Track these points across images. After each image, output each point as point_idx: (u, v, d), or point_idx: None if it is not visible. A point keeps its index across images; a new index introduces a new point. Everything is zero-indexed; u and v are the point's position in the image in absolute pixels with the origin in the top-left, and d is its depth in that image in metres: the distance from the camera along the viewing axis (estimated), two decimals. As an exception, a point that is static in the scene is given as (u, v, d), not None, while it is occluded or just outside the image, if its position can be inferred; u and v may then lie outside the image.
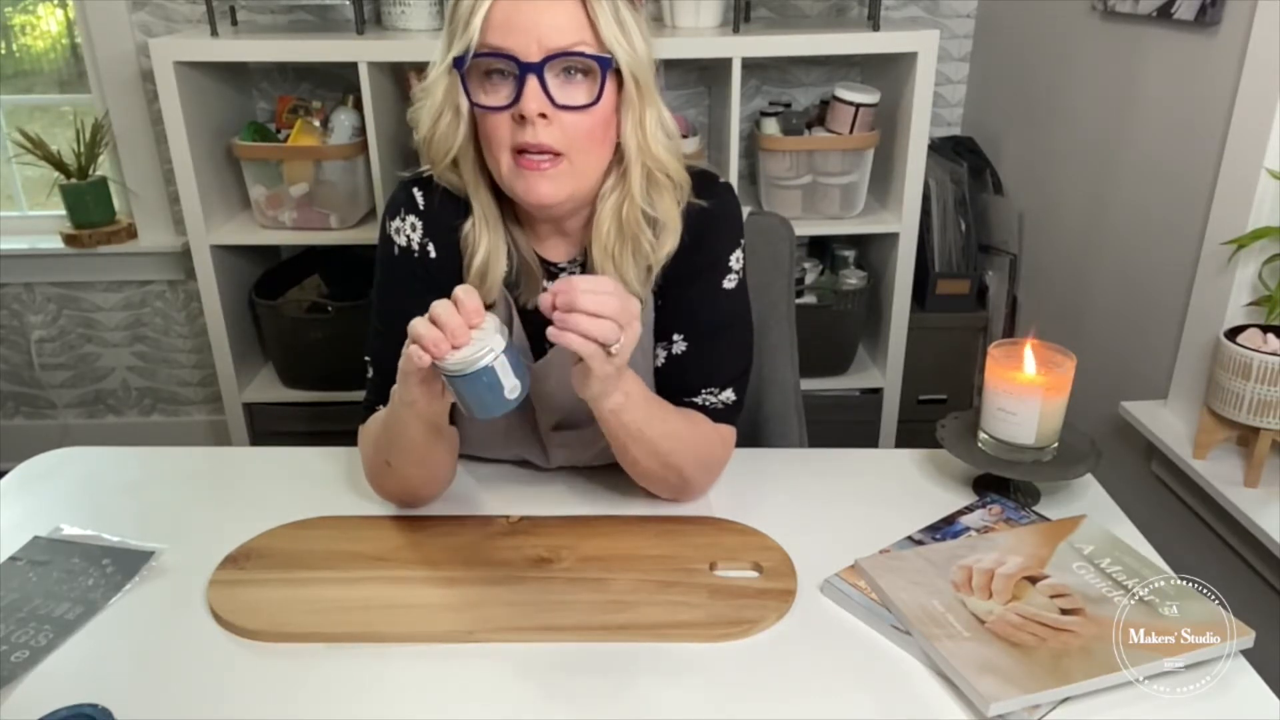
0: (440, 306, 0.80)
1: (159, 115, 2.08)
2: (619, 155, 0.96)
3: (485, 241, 0.98)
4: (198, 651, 0.83)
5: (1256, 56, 1.36)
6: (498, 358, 0.79)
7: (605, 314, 0.79)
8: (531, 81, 0.87)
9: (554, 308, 0.80)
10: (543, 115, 0.87)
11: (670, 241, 0.98)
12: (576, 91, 0.89)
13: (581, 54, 0.88)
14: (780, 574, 0.92)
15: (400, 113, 1.99)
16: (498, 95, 0.89)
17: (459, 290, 0.81)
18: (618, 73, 0.90)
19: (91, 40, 2.19)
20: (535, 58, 0.87)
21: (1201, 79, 1.49)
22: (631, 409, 0.90)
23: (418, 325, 0.80)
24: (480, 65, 0.89)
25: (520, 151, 0.90)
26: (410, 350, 0.80)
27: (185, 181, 1.94)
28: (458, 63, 0.89)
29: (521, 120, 0.88)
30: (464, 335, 0.79)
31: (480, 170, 0.97)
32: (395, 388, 0.89)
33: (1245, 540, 1.37)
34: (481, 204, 0.98)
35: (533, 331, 1.02)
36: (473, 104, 0.91)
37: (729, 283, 1.02)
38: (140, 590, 0.91)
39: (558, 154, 0.90)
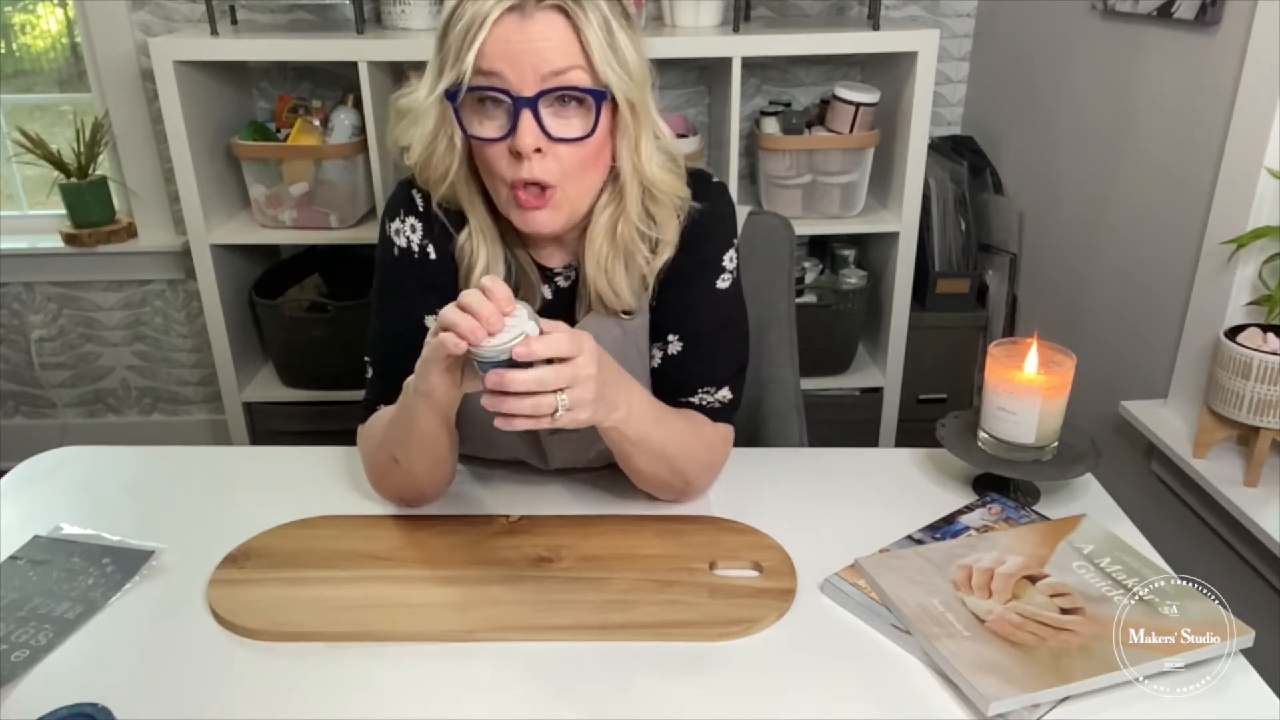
0: (471, 295, 0.79)
1: (159, 115, 2.09)
2: (614, 173, 0.95)
3: (484, 254, 0.98)
4: (198, 651, 0.83)
5: (1256, 56, 1.36)
6: None
7: (534, 390, 0.78)
8: (526, 116, 0.86)
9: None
10: (538, 150, 0.87)
11: (666, 254, 0.99)
12: (571, 122, 0.89)
13: (575, 88, 0.87)
14: (780, 573, 0.92)
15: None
16: (492, 126, 0.89)
17: (486, 280, 0.81)
18: (612, 100, 0.90)
19: (91, 39, 2.19)
20: (529, 91, 0.86)
21: (1201, 79, 1.49)
22: (633, 421, 0.90)
23: (450, 314, 0.79)
24: (473, 94, 0.88)
25: (515, 185, 0.90)
26: (444, 338, 0.79)
27: (185, 181, 1.94)
28: (451, 95, 0.88)
29: (517, 153, 0.88)
30: (499, 322, 0.79)
31: (475, 186, 0.97)
32: (410, 380, 0.89)
33: (1245, 540, 1.37)
34: (478, 218, 0.98)
35: None
36: (467, 135, 0.90)
37: (723, 282, 1.02)
38: (140, 589, 0.91)
39: (551, 184, 0.90)
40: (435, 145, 0.93)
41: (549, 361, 0.79)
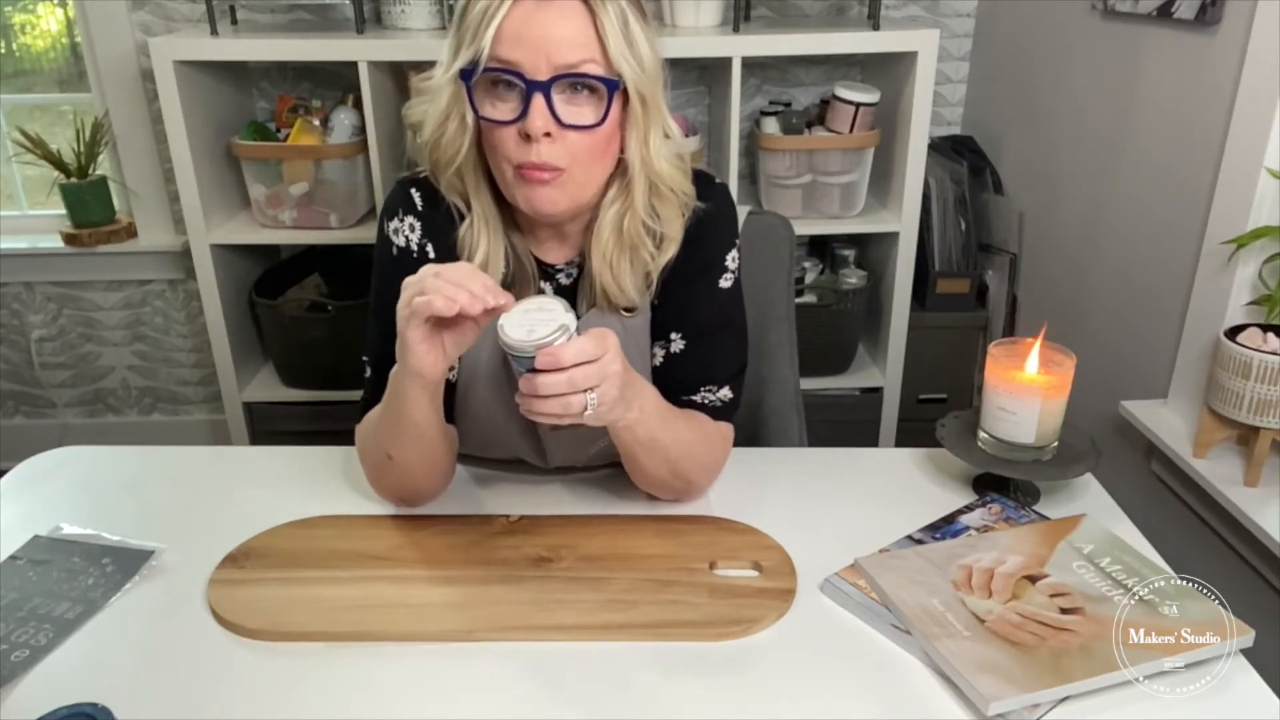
0: (452, 270, 0.81)
1: (159, 114, 2.09)
2: (622, 166, 0.96)
3: (484, 243, 0.98)
4: (198, 651, 0.83)
5: (1256, 56, 1.36)
6: (571, 337, 0.80)
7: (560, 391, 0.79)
8: (538, 100, 0.87)
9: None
10: (547, 134, 0.88)
11: (671, 251, 0.99)
12: (582, 110, 0.89)
13: (589, 75, 0.88)
14: (780, 573, 0.92)
15: (400, 112, 1.99)
16: (504, 108, 0.89)
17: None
18: (624, 91, 0.90)
19: (91, 39, 2.19)
20: (543, 75, 0.87)
21: (1201, 79, 1.49)
22: (645, 422, 0.90)
23: (432, 283, 0.80)
24: (487, 76, 0.89)
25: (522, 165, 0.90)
26: (424, 303, 0.79)
27: (185, 181, 1.94)
28: (465, 74, 0.89)
29: (526, 137, 0.88)
30: (491, 299, 0.79)
31: (482, 173, 0.97)
32: (395, 369, 0.88)
33: (1245, 540, 1.37)
34: (482, 206, 0.98)
35: None
36: (478, 116, 0.91)
37: (725, 282, 1.03)
38: (140, 589, 0.91)
39: (559, 168, 0.90)
40: (446, 125, 0.94)
41: None
